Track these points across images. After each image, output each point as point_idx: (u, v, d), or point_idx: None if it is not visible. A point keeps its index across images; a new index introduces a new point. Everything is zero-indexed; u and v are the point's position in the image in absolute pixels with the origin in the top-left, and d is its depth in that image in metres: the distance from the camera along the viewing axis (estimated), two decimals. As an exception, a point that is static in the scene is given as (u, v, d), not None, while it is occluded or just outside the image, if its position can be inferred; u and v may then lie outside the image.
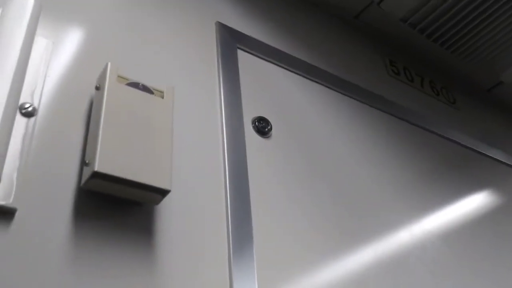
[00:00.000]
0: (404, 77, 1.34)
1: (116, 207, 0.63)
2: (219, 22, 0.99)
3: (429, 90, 1.38)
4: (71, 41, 0.75)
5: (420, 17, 1.28)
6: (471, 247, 1.11)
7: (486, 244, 1.16)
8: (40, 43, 0.69)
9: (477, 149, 1.36)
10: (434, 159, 1.22)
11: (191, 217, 0.70)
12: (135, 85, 0.69)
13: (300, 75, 1.06)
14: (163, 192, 0.62)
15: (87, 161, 0.60)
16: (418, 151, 1.20)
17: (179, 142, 0.75)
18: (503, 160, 1.42)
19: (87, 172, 0.59)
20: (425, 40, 1.33)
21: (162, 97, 0.70)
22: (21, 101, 0.60)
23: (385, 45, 1.37)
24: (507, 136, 1.54)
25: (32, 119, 0.62)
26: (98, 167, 0.57)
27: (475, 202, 1.24)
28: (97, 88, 0.68)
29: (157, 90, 0.70)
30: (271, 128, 0.90)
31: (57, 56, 0.71)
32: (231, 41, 0.98)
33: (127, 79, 0.69)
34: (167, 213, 0.67)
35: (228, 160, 0.79)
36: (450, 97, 1.44)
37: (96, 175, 0.57)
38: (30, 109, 0.62)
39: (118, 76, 0.68)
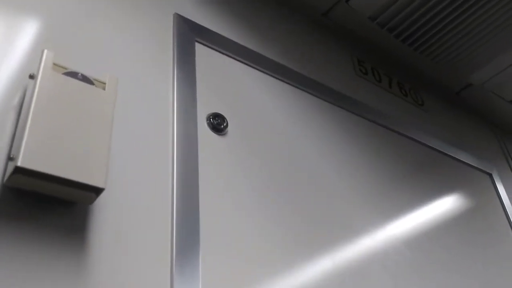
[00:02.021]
0: (372, 77, 1.31)
1: (45, 206, 0.58)
2: (177, 14, 0.95)
3: (397, 91, 1.36)
4: (9, 28, 0.69)
5: (389, 16, 1.25)
6: (434, 253, 1.08)
7: (450, 248, 1.14)
8: (-30, 27, 0.64)
9: (444, 151, 1.34)
10: (400, 162, 1.20)
11: (131, 217, 0.65)
12: (73, 74, 0.64)
13: (262, 71, 1.02)
14: (97, 190, 0.57)
15: (12, 156, 0.55)
16: (384, 153, 1.17)
17: (123, 137, 0.70)
18: (470, 163, 1.40)
19: (10, 168, 0.54)
20: (394, 40, 1.31)
21: (104, 88, 0.65)
22: None
23: (353, 44, 1.34)
24: (475, 138, 1.53)
25: (-47, 108, 0.56)
26: (21, 162, 0.52)
27: (442, 205, 1.22)
28: (31, 77, 0.63)
29: (99, 81, 0.65)
30: (227, 125, 0.86)
31: (-10, 42, 0.66)
32: (189, 34, 0.94)
33: (65, 68, 0.64)
34: (104, 213, 0.62)
35: (177, 157, 0.75)
36: (419, 98, 1.42)
37: (19, 170, 0.52)
38: (-50, 97, 0.56)
39: (55, 64, 0.63)
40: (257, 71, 1.02)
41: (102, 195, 0.60)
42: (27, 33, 0.71)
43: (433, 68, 1.42)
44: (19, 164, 0.52)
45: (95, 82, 0.65)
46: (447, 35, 1.29)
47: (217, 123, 0.85)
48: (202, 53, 0.93)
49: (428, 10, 1.22)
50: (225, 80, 0.94)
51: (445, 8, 1.21)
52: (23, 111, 0.60)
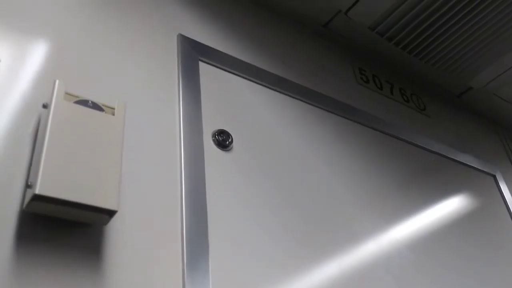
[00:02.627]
0: (373, 85, 1.34)
1: (62, 229, 0.62)
2: (181, 34, 0.98)
3: (398, 97, 1.38)
4: (21, 58, 0.73)
5: (388, 25, 1.28)
6: (439, 256, 1.10)
7: (455, 250, 1.16)
8: (-14, 61, 0.68)
9: (448, 155, 1.36)
10: (404, 167, 1.22)
11: (143, 235, 0.68)
12: (84, 102, 0.67)
13: (265, 86, 1.06)
14: (110, 213, 0.60)
15: (29, 183, 0.58)
16: (388, 159, 1.19)
17: (133, 159, 0.73)
18: (474, 166, 1.42)
19: (29, 195, 0.57)
20: (394, 48, 1.34)
21: (113, 114, 0.69)
22: (-39, 122, 0.59)
23: (354, 54, 1.37)
24: (478, 141, 1.55)
25: (-27, 140, 0.60)
26: (39, 189, 0.56)
27: (446, 208, 1.24)
28: (44, 107, 0.66)
29: (108, 107, 0.69)
30: (232, 141, 0.89)
31: (5, 74, 0.70)
32: (193, 53, 0.97)
33: (76, 96, 0.67)
34: (117, 233, 0.66)
35: (185, 174, 0.78)
36: (420, 103, 1.44)
37: (37, 197, 0.56)
38: (-29, 130, 0.60)
39: (67, 94, 0.66)
40: (259, 85, 1.05)
41: (115, 216, 0.63)
42: (36, 62, 0.75)
43: (433, 73, 1.44)
44: (37, 192, 0.55)
45: (104, 108, 0.69)
46: (446, 41, 1.31)
47: (222, 140, 0.88)
48: (206, 71, 0.97)
49: (426, 18, 1.25)
50: (229, 97, 0.98)
51: (443, 15, 1.24)
52: (38, 139, 0.64)
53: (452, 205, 1.26)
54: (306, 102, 1.12)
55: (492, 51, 1.35)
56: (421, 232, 1.11)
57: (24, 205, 0.58)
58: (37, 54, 0.76)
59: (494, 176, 1.45)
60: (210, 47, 1.01)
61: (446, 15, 1.24)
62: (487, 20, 1.26)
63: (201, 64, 0.97)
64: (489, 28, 1.28)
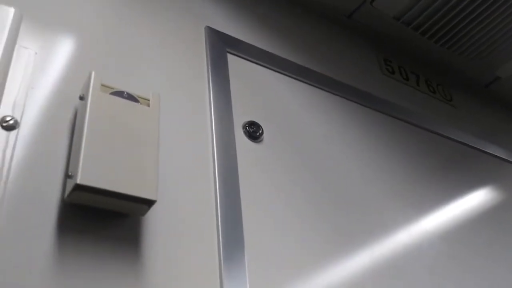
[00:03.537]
0: (399, 76, 1.32)
1: (101, 219, 0.62)
2: (208, 26, 0.98)
3: (425, 88, 1.37)
4: (55, 50, 0.74)
5: (414, 14, 1.26)
6: (470, 246, 1.09)
7: (486, 242, 1.14)
8: (22, 54, 0.68)
9: (475, 146, 1.34)
10: (431, 158, 1.21)
11: (179, 226, 0.68)
12: (119, 93, 0.67)
13: (292, 77, 1.05)
14: (149, 203, 0.60)
15: (70, 174, 0.59)
16: (416, 150, 1.18)
17: (167, 150, 0.73)
18: (502, 156, 1.40)
19: (70, 185, 0.58)
20: (420, 38, 1.32)
21: (148, 105, 0.69)
22: (1, 114, 0.59)
23: (379, 44, 1.35)
24: (505, 132, 1.52)
25: (14, 132, 0.61)
26: (80, 179, 0.56)
27: (475, 199, 1.22)
28: (81, 98, 0.67)
29: (143, 98, 0.69)
30: (262, 132, 0.89)
31: (40, 66, 0.70)
32: (220, 45, 0.97)
33: (112, 88, 0.68)
34: (155, 224, 0.66)
35: (218, 166, 0.78)
36: (447, 94, 1.42)
37: (79, 187, 0.56)
38: (11, 122, 0.61)
39: (102, 85, 0.66)
40: (287, 77, 1.04)
41: (152, 207, 0.63)
42: (68, 54, 0.75)
43: (460, 63, 1.42)
44: (78, 181, 0.56)
45: (139, 99, 0.69)
46: (474, 30, 1.29)
47: (253, 131, 0.87)
48: (234, 63, 0.97)
49: (453, 7, 1.22)
50: (257, 88, 0.97)
51: (470, 3, 1.21)
52: (76, 130, 0.64)
53: (482, 196, 1.24)
54: (332, 93, 1.11)
55: (520, 40, 1.32)
56: (451, 223, 1.10)
57: (65, 195, 0.59)
58: (68, 47, 0.76)
59: (524, 167, 1.42)
60: (237, 39, 1.01)
61: (473, 3, 1.22)
62: (515, 8, 1.23)
63: (229, 56, 0.97)
64: (517, 16, 1.26)
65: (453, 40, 1.32)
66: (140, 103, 0.68)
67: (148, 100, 0.69)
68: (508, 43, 1.33)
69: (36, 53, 0.70)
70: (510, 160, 1.41)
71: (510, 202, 1.31)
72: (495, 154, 1.38)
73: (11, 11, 0.65)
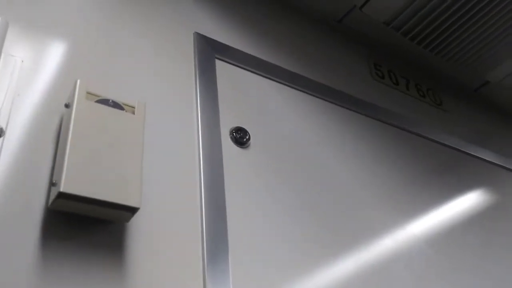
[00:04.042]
0: (389, 81, 1.33)
1: (85, 226, 0.63)
2: (197, 32, 0.99)
3: (414, 93, 1.38)
4: (41, 58, 0.74)
5: (403, 20, 1.27)
6: (459, 251, 1.10)
7: (475, 247, 1.15)
8: (9, 62, 0.69)
9: (465, 150, 1.35)
10: (421, 162, 1.21)
11: (164, 232, 0.69)
12: (105, 101, 0.68)
13: (280, 83, 1.06)
14: (132, 210, 0.61)
15: (54, 181, 0.60)
16: (405, 155, 1.19)
17: (153, 157, 0.74)
18: (492, 161, 1.41)
19: (54, 193, 0.59)
20: (409, 43, 1.33)
21: (133, 113, 0.69)
22: (-14, 122, 0.60)
23: (369, 49, 1.36)
24: (495, 135, 1.53)
25: (-1, 140, 0.61)
26: (63, 187, 0.57)
27: (464, 204, 1.23)
28: (67, 106, 0.67)
29: (128, 106, 0.70)
30: (249, 138, 0.89)
31: (26, 74, 0.71)
32: (209, 51, 0.98)
33: (97, 96, 0.68)
34: (139, 230, 0.67)
35: (204, 172, 0.79)
36: (437, 98, 1.43)
37: (62, 195, 0.57)
38: (-4, 130, 0.61)
39: (88, 93, 0.67)
40: (275, 82, 1.05)
41: (136, 213, 0.64)
42: (55, 62, 0.76)
43: (449, 67, 1.43)
44: (61, 189, 0.56)
45: (125, 107, 0.69)
46: (463, 35, 1.30)
47: (240, 137, 0.88)
48: (222, 69, 0.97)
49: (442, 12, 1.23)
50: (245, 94, 0.98)
51: (458, 9, 1.22)
52: (61, 138, 0.65)
53: (471, 201, 1.25)
54: (322, 98, 1.11)
55: (509, 44, 1.33)
56: (440, 228, 1.11)
57: (49, 203, 0.59)
58: (55, 55, 0.77)
59: (513, 171, 1.43)
60: (226, 45, 1.02)
61: (461, 9, 1.23)
62: (504, 13, 1.24)
63: (217, 62, 0.98)
64: (506, 22, 1.27)
65: (442, 45, 1.33)
66: (126, 111, 0.69)
67: (134, 107, 0.70)
68: (497, 48, 1.34)
69: (22, 61, 0.71)
70: (500, 164, 1.42)
71: (500, 206, 1.32)
72: (485, 158, 1.39)
73: (-3, 19, 0.65)
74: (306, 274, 0.80)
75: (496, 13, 1.23)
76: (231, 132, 0.88)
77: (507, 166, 1.44)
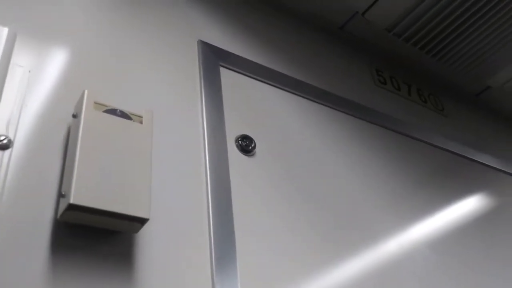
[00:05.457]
0: (391, 86, 1.34)
1: (94, 236, 0.63)
2: (201, 40, 0.99)
3: (416, 98, 1.38)
4: (49, 68, 0.74)
5: (405, 26, 1.27)
6: (461, 256, 1.10)
7: (477, 250, 1.15)
8: (16, 72, 0.69)
9: (467, 155, 1.36)
10: (423, 168, 1.22)
11: (172, 241, 0.69)
12: (112, 111, 0.68)
13: (285, 90, 1.06)
14: (142, 221, 0.61)
15: (63, 193, 0.59)
16: (407, 160, 1.19)
17: (160, 167, 0.74)
18: (493, 165, 1.41)
19: (63, 204, 0.58)
20: (411, 48, 1.33)
21: (141, 122, 0.69)
22: (-5, 134, 0.60)
23: (371, 55, 1.37)
24: (496, 141, 1.54)
25: (8, 151, 0.61)
26: (73, 199, 0.57)
27: (466, 209, 1.23)
28: (74, 116, 0.67)
29: (136, 115, 0.70)
30: (255, 146, 0.89)
31: (34, 84, 0.71)
32: (213, 59, 0.98)
33: (105, 106, 0.68)
34: (148, 240, 0.67)
35: (210, 180, 0.79)
36: (438, 104, 1.44)
37: (72, 207, 0.57)
38: (5, 141, 0.61)
39: (95, 103, 0.67)
40: (279, 90, 1.05)
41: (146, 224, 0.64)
42: (61, 72, 0.76)
43: (451, 73, 1.43)
44: (71, 201, 0.56)
45: (132, 117, 0.69)
46: (464, 41, 1.31)
47: (246, 145, 0.88)
48: (227, 76, 0.97)
49: (444, 18, 1.24)
50: (250, 101, 0.98)
51: (460, 15, 1.23)
52: (69, 149, 0.65)
53: (473, 206, 1.25)
54: (325, 105, 1.12)
55: (510, 50, 1.34)
56: (442, 233, 1.11)
57: (58, 215, 0.59)
58: (62, 65, 0.77)
59: (515, 176, 1.44)
60: (230, 52, 1.02)
61: (463, 15, 1.23)
62: (506, 19, 1.25)
63: (221, 70, 0.98)
64: (508, 27, 1.27)
65: (444, 51, 1.34)
66: (133, 121, 0.69)
67: (141, 117, 0.70)
68: (498, 53, 1.34)
69: (30, 71, 0.71)
70: (501, 169, 1.43)
71: (501, 211, 1.32)
72: (487, 163, 1.40)
73: (5, 30, 0.65)
74: (312, 279, 0.80)
75: (497, 19, 1.24)
76: (237, 140, 0.88)
77: (509, 171, 1.44)
